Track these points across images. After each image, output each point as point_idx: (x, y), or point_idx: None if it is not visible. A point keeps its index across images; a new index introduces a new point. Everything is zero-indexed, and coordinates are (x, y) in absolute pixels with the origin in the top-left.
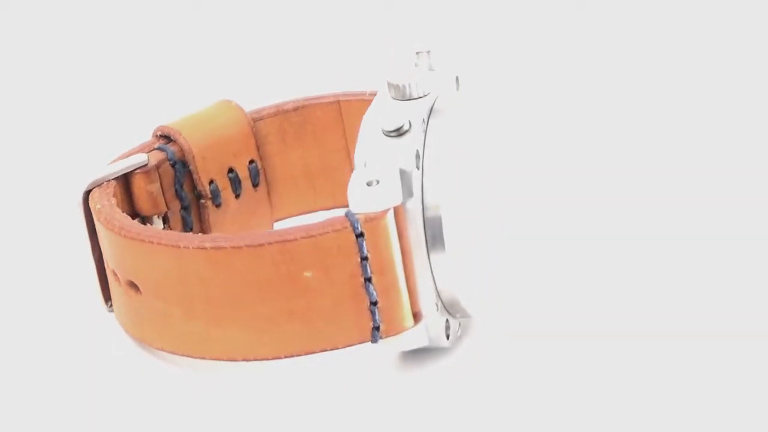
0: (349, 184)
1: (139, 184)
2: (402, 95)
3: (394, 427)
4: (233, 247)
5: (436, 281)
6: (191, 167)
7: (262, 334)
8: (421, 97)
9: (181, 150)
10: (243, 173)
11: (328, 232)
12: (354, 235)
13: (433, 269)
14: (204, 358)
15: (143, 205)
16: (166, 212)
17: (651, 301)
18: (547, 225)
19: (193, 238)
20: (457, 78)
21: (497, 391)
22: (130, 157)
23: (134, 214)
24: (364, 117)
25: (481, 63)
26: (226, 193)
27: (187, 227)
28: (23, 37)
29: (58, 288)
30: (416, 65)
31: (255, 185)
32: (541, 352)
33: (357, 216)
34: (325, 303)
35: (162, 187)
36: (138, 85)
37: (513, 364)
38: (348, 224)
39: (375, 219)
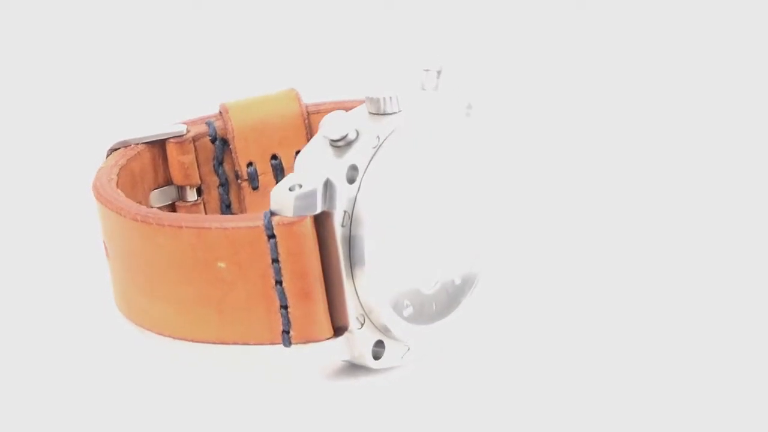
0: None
1: (171, 153)
2: (376, 109)
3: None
4: (158, 224)
5: (360, 299)
6: (231, 146)
7: (183, 314)
8: (392, 113)
9: (224, 128)
10: (287, 162)
11: (241, 228)
12: (266, 235)
13: (356, 286)
14: (143, 329)
15: (175, 174)
16: (200, 185)
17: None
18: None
19: (134, 209)
20: (469, 105)
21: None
22: (167, 126)
23: (168, 181)
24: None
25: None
26: (266, 178)
27: (223, 204)
28: (34, 31)
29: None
30: (422, 83)
31: None
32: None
33: (272, 218)
34: (238, 297)
35: (198, 161)
36: (168, 79)
37: (436, 395)
38: (261, 223)
39: (289, 224)
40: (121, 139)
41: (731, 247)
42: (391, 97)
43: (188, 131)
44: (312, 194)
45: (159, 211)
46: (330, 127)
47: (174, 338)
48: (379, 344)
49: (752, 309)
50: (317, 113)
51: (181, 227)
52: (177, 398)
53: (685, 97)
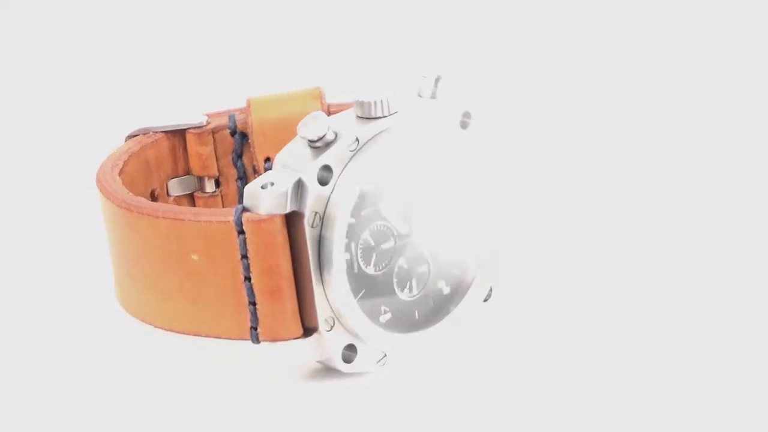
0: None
1: (190, 143)
2: (363, 112)
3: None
4: (138, 212)
5: (329, 301)
6: (249, 140)
7: (162, 304)
8: (379, 118)
9: (245, 122)
10: None
11: (212, 222)
12: (235, 231)
13: (325, 288)
14: (132, 316)
15: (194, 164)
16: (218, 177)
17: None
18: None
19: (121, 195)
20: (466, 113)
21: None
22: (187, 116)
23: (187, 171)
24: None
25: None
26: None
27: (241, 197)
28: (40, 29)
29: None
30: (419, 90)
31: None
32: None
33: (243, 214)
34: (210, 290)
35: (216, 153)
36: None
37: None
38: (232, 219)
39: (258, 221)
40: (141, 126)
41: (735, 249)
42: (379, 101)
43: (208, 123)
44: (282, 193)
45: (142, 200)
46: (306, 127)
47: (155, 327)
48: (351, 348)
49: (761, 312)
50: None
51: (158, 217)
52: (148, 388)
53: (684, 104)
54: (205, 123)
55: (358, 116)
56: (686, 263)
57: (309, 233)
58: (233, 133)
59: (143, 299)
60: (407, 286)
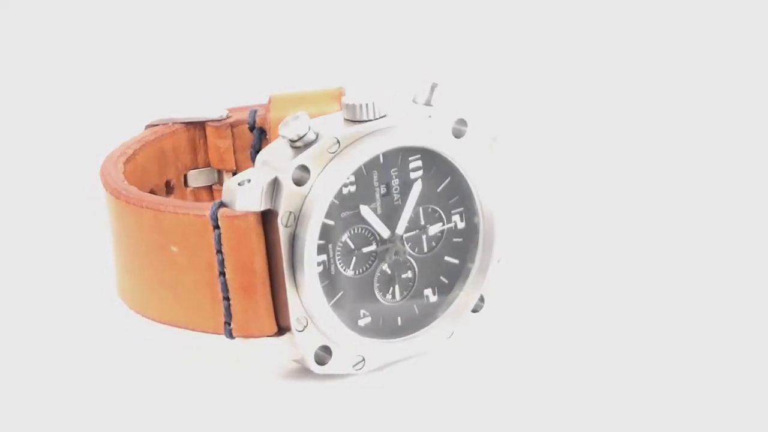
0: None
1: (209, 136)
2: (350, 115)
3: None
4: (126, 201)
5: (302, 301)
6: (267, 136)
7: (147, 293)
8: (366, 121)
9: (265, 118)
10: None
11: (189, 215)
12: (211, 225)
13: (297, 288)
14: (125, 303)
15: (212, 157)
16: (236, 171)
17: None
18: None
19: (114, 183)
20: (461, 120)
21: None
22: (207, 109)
23: (207, 164)
24: None
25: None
26: None
27: None
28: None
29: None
30: (415, 96)
31: None
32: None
33: (220, 209)
34: (188, 282)
35: (234, 147)
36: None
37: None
38: (208, 213)
39: (232, 217)
40: (160, 117)
41: (736, 251)
42: (366, 104)
43: (228, 116)
44: (257, 191)
45: (132, 189)
46: (286, 127)
47: (143, 317)
48: (325, 349)
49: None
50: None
51: (141, 207)
52: (122, 377)
53: (678, 107)
54: (224, 116)
55: (345, 119)
56: (682, 265)
57: (282, 232)
58: (252, 128)
59: (132, 288)
60: (390, 292)
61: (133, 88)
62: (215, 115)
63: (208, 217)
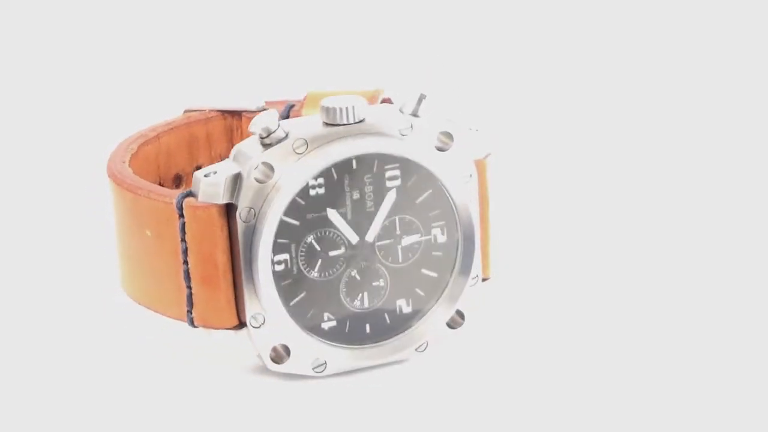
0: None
1: (244, 126)
2: (327, 118)
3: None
4: (115, 181)
5: (259, 297)
6: None
7: (132, 275)
8: (341, 125)
9: (298, 113)
10: None
11: (159, 201)
12: (177, 213)
13: (254, 284)
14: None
15: None
16: None
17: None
18: None
19: (112, 164)
20: (447, 134)
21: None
22: (244, 99)
23: None
24: None
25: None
26: None
27: None
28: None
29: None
30: (402, 106)
31: None
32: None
33: (186, 198)
34: (158, 267)
35: None
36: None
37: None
38: (174, 200)
39: (195, 207)
40: (196, 104)
41: (736, 253)
42: (343, 108)
43: (263, 108)
44: (218, 184)
45: (125, 170)
46: (255, 123)
47: (127, 295)
48: (285, 348)
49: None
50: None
51: (123, 188)
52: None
53: (673, 110)
54: (261, 108)
55: (323, 121)
56: (672, 277)
57: (240, 227)
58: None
59: (122, 270)
60: (358, 298)
61: (185, 76)
62: (252, 106)
63: (174, 205)
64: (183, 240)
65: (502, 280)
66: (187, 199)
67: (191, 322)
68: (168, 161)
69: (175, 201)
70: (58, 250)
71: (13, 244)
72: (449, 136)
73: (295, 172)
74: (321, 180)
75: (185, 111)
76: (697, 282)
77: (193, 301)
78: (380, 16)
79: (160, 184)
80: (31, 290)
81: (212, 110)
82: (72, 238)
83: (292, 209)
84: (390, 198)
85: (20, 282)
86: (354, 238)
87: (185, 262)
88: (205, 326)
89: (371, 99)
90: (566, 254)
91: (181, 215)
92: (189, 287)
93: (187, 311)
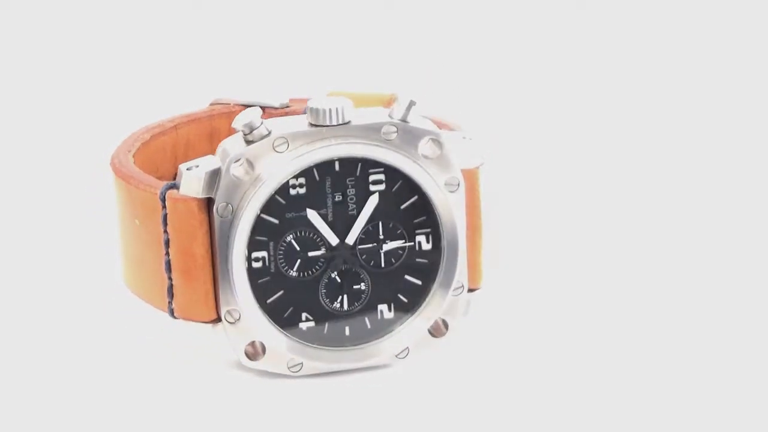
0: None
1: None
2: (312, 119)
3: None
4: (112, 170)
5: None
6: None
7: (125, 265)
8: (325, 126)
9: None
10: None
11: (146, 191)
12: (160, 204)
13: (229, 280)
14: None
15: None
16: None
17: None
18: None
19: (116, 153)
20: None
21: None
22: (268, 95)
23: None
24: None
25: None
26: None
27: None
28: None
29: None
30: (391, 111)
31: None
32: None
33: (169, 190)
34: (146, 256)
35: None
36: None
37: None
38: (158, 191)
39: (176, 200)
40: (221, 97)
41: (735, 258)
42: (327, 110)
43: (288, 106)
44: (198, 178)
45: (125, 159)
46: (237, 119)
47: (125, 285)
48: (261, 346)
49: (755, 314)
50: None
51: (117, 176)
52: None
53: (667, 113)
54: (283, 105)
55: (308, 122)
56: (670, 275)
57: (217, 222)
58: None
59: (120, 259)
60: (338, 300)
61: (217, 71)
62: (276, 103)
63: (158, 195)
64: (165, 231)
65: (493, 290)
66: (170, 191)
67: (171, 313)
68: (187, 152)
69: (159, 192)
70: (65, 239)
71: (29, 224)
72: (438, 143)
73: (273, 170)
74: (302, 180)
75: (211, 103)
76: (689, 296)
77: (174, 292)
78: (420, 21)
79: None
80: (34, 276)
81: (237, 104)
82: (80, 228)
83: (271, 207)
84: (372, 202)
85: (26, 266)
86: (334, 240)
87: (167, 253)
88: (184, 318)
89: (385, 102)
90: (558, 265)
91: (164, 206)
92: (170, 278)
93: (168, 302)
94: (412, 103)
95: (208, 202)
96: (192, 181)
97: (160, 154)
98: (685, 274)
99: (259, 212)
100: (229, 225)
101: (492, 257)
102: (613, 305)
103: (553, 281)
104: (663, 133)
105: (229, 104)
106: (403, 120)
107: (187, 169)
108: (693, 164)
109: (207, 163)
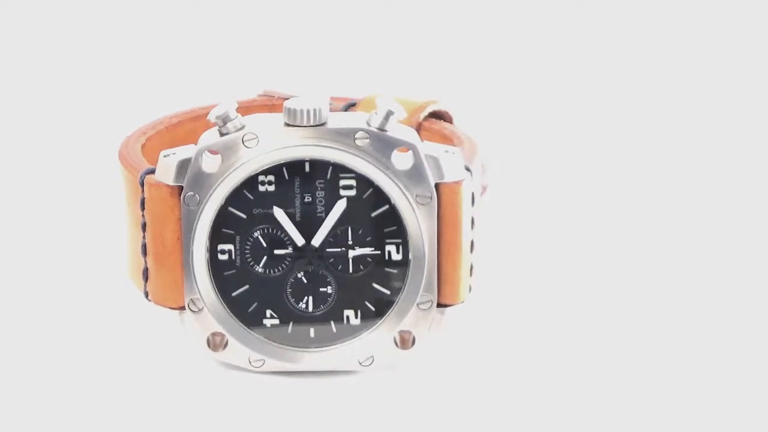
0: None
1: None
2: (288, 119)
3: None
4: (119, 158)
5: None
6: None
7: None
8: (300, 126)
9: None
10: None
11: (131, 175)
12: (140, 188)
13: (192, 269)
14: None
15: None
16: None
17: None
18: None
19: (124, 143)
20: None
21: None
22: (311, 92)
23: None
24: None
25: None
26: None
27: None
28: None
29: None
30: (368, 120)
31: None
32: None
33: (148, 175)
34: (132, 239)
35: None
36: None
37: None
38: (139, 174)
39: (151, 185)
40: (268, 90)
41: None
42: (303, 111)
43: (329, 104)
44: (170, 165)
45: (130, 143)
46: (212, 111)
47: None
48: (222, 338)
49: (753, 315)
50: (429, 130)
51: (120, 161)
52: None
53: (663, 116)
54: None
55: (285, 121)
56: (664, 284)
57: (184, 211)
58: None
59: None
60: (303, 301)
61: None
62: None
63: (137, 178)
64: (143, 215)
65: (475, 306)
66: (148, 176)
67: (146, 295)
68: None
69: (139, 176)
70: (77, 224)
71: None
72: (413, 155)
73: (239, 164)
74: (271, 177)
75: (260, 94)
76: (682, 306)
77: (148, 275)
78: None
79: None
80: (37, 266)
81: (280, 97)
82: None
83: (239, 201)
84: (339, 206)
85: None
86: (300, 241)
87: (144, 237)
88: (155, 302)
89: (416, 110)
90: (542, 282)
91: (143, 190)
92: (145, 261)
93: (144, 284)
94: (390, 113)
95: (181, 190)
96: (165, 168)
97: (185, 141)
98: (684, 278)
99: (223, 204)
100: (195, 215)
101: (476, 274)
102: (606, 323)
103: (544, 298)
104: (663, 134)
105: (273, 96)
106: (381, 128)
107: (164, 156)
108: (686, 171)
109: (183, 152)
